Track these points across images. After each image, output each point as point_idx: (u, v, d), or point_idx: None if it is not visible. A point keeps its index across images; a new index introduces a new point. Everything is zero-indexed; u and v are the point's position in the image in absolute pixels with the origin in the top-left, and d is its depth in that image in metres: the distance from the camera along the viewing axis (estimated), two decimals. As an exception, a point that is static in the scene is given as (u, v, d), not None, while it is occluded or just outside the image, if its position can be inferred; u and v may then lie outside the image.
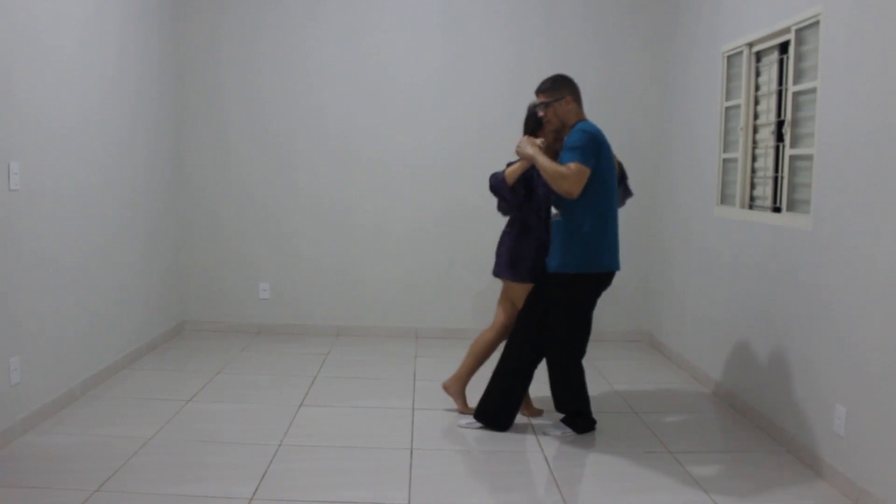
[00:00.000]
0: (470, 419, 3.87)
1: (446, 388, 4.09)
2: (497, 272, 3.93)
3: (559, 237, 3.65)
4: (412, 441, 3.64)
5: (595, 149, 3.51)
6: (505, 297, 3.99)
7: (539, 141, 3.68)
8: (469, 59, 5.71)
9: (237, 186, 5.80)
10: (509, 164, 3.87)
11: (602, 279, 3.66)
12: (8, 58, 3.45)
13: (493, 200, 3.94)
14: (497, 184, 3.83)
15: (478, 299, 5.78)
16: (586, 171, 3.46)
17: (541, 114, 3.73)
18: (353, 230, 5.81)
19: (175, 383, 4.47)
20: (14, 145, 3.50)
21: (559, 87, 3.69)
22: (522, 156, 3.68)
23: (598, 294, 3.71)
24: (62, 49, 3.95)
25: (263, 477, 3.17)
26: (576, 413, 3.80)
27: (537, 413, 4.02)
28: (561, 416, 3.86)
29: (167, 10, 5.43)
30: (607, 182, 3.59)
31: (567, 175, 3.45)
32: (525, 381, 3.84)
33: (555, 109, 3.69)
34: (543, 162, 3.55)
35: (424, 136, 5.75)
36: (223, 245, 5.84)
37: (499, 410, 3.82)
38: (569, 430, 3.77)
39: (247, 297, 5.86)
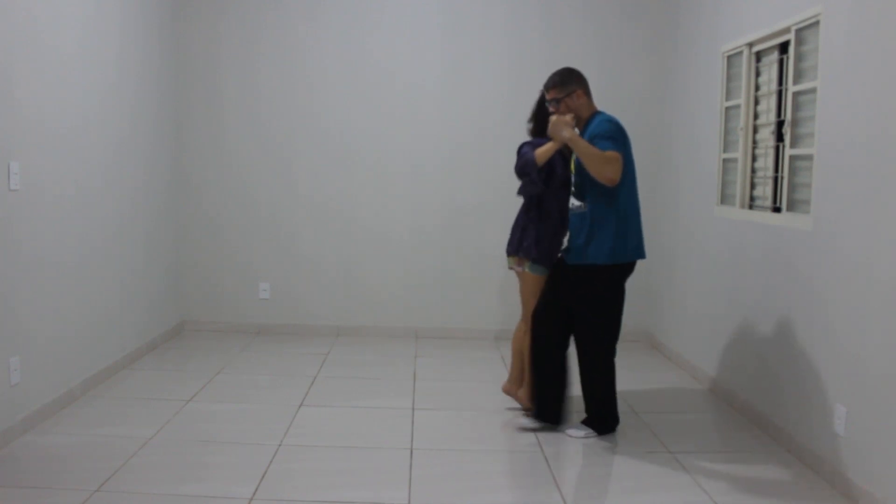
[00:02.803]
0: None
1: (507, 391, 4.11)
2: (513, 251, 3.90)
3: (604, 227, 3.55)
4: (412, 441, 3.64)
5: (623, 138, 3.54)
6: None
7: (569, 117, 3.62)
8: (469, 59, 5.71)
9: (237, 186, 5.80)
10: (525, 145, 3.83)
11: (633, 266, 3.70)
12: (8, 58, 3.45)
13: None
14: (526, 165, 3.71)
15: (478, 299, 5.77)
16: (621, 159, 3.45)
17: (552, 110, 3.71)
18: (353, 230, 5.81)
19: (175, 383, 4.47)
20: (14, 145, 3.50)
21: (569, 82, 3.67)
22: (558, 138, 3.58)
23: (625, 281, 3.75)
24: (62, 49, 3.95)
25: (263, 477, 3.17)
26: (599, 413, 3.75)
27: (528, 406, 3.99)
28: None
29: (167, 10, 5.43)
30: (633, 171, 3.65)
31: (612, 160, 3.39)
32: (564, 372, 3.79)
33: (567, 104, 3.66)
34: (584, 146, 3.46)
35: (424, 136, 5.74)
36: (223, 245, 5.84)
37: (549, 406, 3.78)
38: (591, 432, 3.74)
39: (247, 297, 5.86)
